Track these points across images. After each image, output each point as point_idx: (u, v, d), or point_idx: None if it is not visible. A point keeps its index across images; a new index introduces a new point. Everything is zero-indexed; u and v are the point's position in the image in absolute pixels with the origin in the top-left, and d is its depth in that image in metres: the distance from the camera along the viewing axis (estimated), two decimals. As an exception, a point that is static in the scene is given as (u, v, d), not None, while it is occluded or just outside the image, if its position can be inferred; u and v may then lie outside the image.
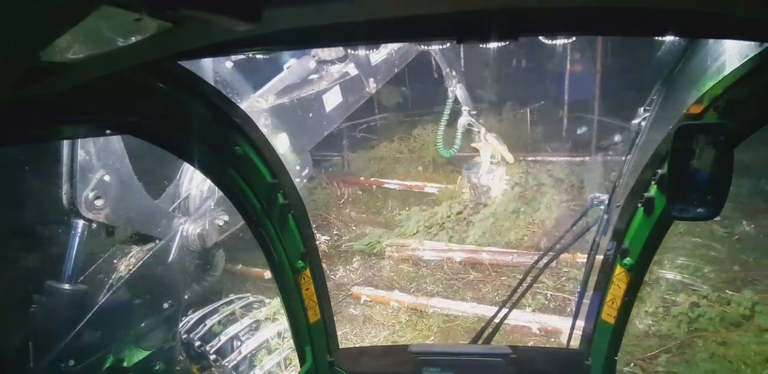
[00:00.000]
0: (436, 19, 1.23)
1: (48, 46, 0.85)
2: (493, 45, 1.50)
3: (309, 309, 2.30)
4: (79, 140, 3.37)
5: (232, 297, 6.29)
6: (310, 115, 5.35)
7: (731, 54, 1.64)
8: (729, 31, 1.34)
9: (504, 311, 2.81)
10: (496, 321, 2.75)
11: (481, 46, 1.50)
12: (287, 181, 2.08)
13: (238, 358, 5.40)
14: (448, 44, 1.75)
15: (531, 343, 6.33)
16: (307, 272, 2.25)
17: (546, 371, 2.43)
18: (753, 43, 1.50)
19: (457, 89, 8.81)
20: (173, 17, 0.90)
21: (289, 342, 6.06)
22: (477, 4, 1.15)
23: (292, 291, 2.24)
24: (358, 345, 6.23)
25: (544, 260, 2.89)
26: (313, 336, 2.37)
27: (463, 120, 9.23)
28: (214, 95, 1.74)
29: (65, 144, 3.39)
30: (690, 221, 1.58)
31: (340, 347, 2.57)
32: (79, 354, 3.63)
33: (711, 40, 1.83)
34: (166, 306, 4.27)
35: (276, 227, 2.09)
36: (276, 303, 6.33)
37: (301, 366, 2.40)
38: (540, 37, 1.47)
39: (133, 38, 0.98)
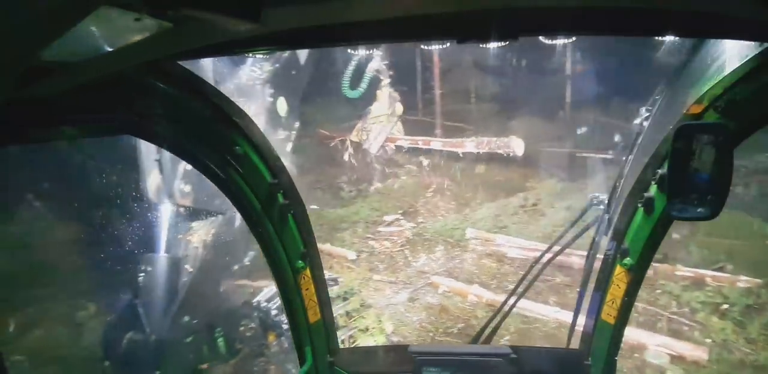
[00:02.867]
0: (436, 19, 1.23)
1: (48, 46, 0.86)
2: (493, 45, 1.49)
3: (309, 309, 2.30)
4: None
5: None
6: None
7: (731, 54, 1.64)
8: (729, 31, 1.34)
9: (504, 310, 2.81)
10: (495, 320, 2.75)
11: (481, 46, 1.50)
12: (287, 181, 2.08)
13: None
14: (448, 44, 1.75)
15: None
16: (307, 272, 2.25)
17: (546, 371, 2.43)
18: (753, 43, 1.50)
19: None
20: (173, 17, 0.90)
21: (355, 322, 6.35)
22: (477, 4, 1.15)
23: (292, 291, 2.23)
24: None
25: (545, 257, 2.88)
26: (313, 336, 2.37)
27: (374, 65, 9.27)
28: (214, 95, 1.74)
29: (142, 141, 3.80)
30: (689, 221, 1.58)
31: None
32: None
33: (711, 40, 1.83)
34: (236, 267, 4.91)
35: (276, 227, 2.08)
36: (349, 283, 6.48)
37: (300, 366, 2.39)
38: (540, 37, 1.47)
39: (133, 38, 0.98)
